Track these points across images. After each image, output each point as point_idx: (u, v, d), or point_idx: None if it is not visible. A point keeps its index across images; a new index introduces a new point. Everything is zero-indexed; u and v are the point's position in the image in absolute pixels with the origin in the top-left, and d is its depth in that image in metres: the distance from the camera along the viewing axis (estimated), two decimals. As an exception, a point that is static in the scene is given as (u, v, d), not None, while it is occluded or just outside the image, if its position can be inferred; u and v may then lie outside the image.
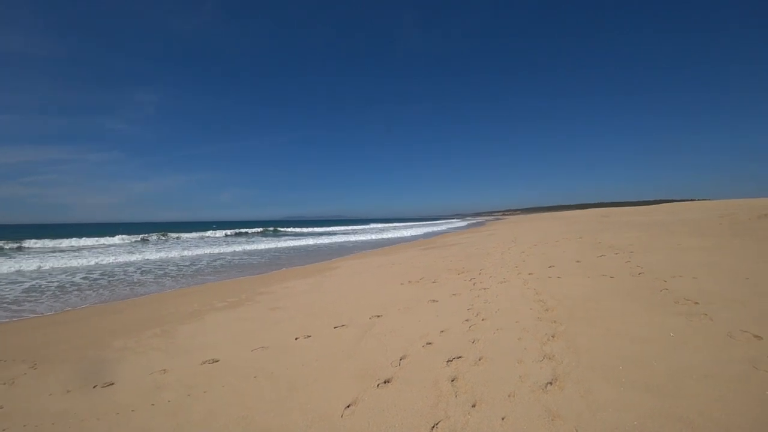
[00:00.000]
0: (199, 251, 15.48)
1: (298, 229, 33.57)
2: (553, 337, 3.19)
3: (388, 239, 23.20)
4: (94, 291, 7.93)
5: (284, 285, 7.39)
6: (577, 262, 6.66)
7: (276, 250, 16.89)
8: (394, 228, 42.30)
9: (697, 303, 3.71)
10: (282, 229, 30.94)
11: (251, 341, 3.91)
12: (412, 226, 45.96)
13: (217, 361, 3.42)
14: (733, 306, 3.54)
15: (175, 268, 11.37)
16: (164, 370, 3.31)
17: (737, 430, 1.87)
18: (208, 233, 24.97)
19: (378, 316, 4.40)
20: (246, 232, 27.46)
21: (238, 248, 16.70)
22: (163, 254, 14.57)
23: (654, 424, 1.96)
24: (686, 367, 2.49)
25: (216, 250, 15.94)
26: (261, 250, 16.59)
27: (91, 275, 10.02)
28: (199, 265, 11.83)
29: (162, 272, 10.49)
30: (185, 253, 14.99)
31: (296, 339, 3.86)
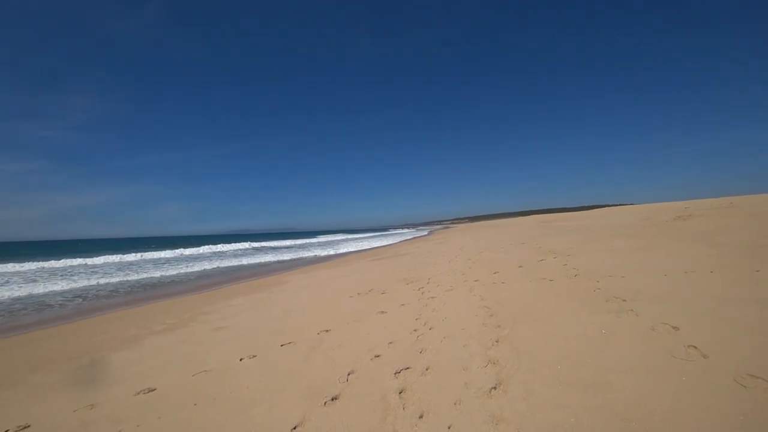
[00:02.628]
0: (144, 274, 14.18)
1: (245, 245, 31.93)
2: (497, 341, 3.29)
3: (339, 250, 23.04)
4: (9, 320, 7.08)
5: (230, 303, 7.07)
6: (520, 267, 6.97)
7: (226, 267, 16.09)
8: (345, 240, 42.06)
9: (625, 300, 3.98)
10: (228, 247, 29.26)
11: (192, 365, 3.67)
12: (363, 238, 45.97)
13: (154, 390, 3.17)
14: (655, 301, 3.84)
15: (111, 289, 10.45)
16: (92, 405, 3.01)
17: (659, 415, 2.01)
18: (148, 255, 22.81)
19: (326, 331, 4.31)
20: (193, 254, 25.09)
21: (184, 269, 15.54)
22: (99, 280, 13.01)
23: (589, 418, 2.06)
24: (616, 361, 2.65)
25: (157, 273, 14.71)
26: (207, 270, 15.58)
27: (15, 306, 8.74)
28: (137, 286, 10.97)
29: (94, 295, 9.59)
30: (129, 277, 13.49)
31: (241, 360, 3.68)
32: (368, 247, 26.14)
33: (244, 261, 17.96)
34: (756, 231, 7.95)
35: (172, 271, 14.35)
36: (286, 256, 20.30)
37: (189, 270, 14.75)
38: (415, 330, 3.92)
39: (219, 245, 29.44)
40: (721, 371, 2.34)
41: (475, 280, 6.16)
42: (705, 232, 9.01)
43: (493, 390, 2.48)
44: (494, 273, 6.64)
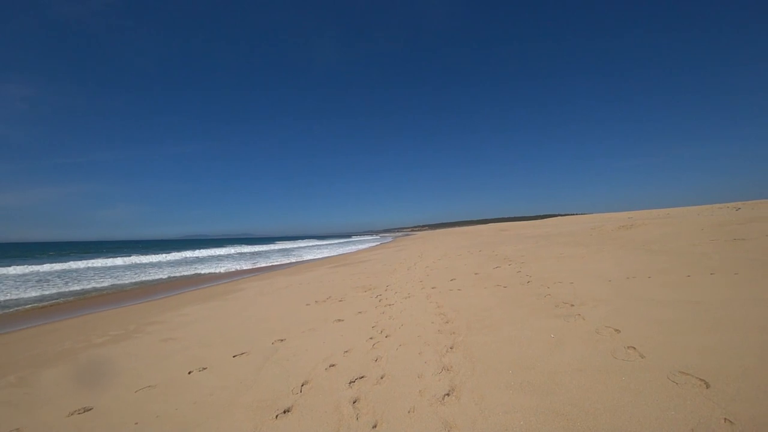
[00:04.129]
0: (90, 283, 12.97)
1: (201, 252, 30.29)
2: (451, 348, 3.33)
3: (298, 257, 22.61)
4: None
5: (181, 312, 6.73)
6: (476, 274, 7.15)
7: (180, 276, 15.24)
8: (305, 246, 41.35)
9: (572, 305, 4.17)
10: (183, 254, 27.57)
11: (135, 380, 3.43)
12: (324, 245, 45.41)
13: (90, 409, 2.93)
14: (600, 305, 4.05)
15: (51, 300, 9.62)
16: (17, 429, 2.74)
17: (603, 414, 2.10)
18: (97, 262, 20.88)
19: (281, 340, 4.20)
20: (144, 262, 22.91)
21: (135, 278, 14.39)
22: (42, 291, 11.70)
23: (536, 420, 2.12)
24: (563, 364, 2.75)
25: (106, 281, 13.46)
26: (162, 279, 14.61)
27: None
28: (80, 295, 10.17)
29: (29, 306, 8.80)
30: (70, 287, 12.20)
31: (189, 373, 3.49)
32: (329, 254, 25.87)
33: (199, 267, 17.20)
34: (688, 239, 8.62)
35: (123, 280, 13.47)
36: (244, 263, 19.62)
37: (138, 279, 13.85)
38: (371, 338, 3.90)
39: (172, 253, 27.94)
40: (656, 370, 2.49)
41: (433, 287, 6.24)
42: (645, 240, 9.65)
43: (446, 397, 2.50)
44: (451, 280, 6.77)
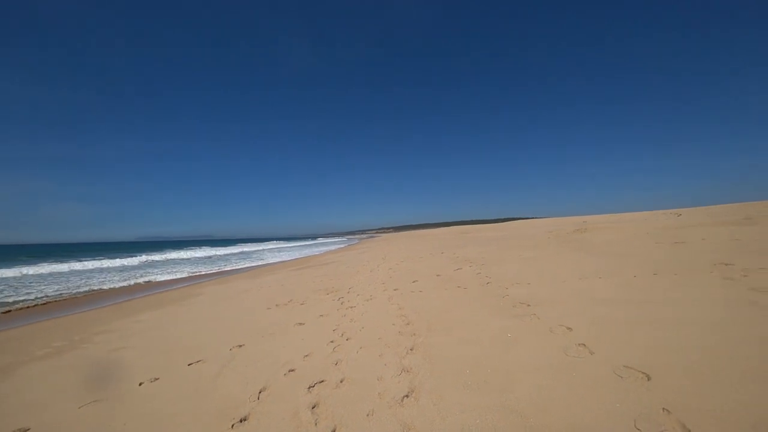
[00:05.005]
0: (29, 291, 12.14)
1: (160, 255, 28.57)
2: (411, 350, 3.35)
3: (261, 259, 22.03)
4: None
5: (134, 319, 6.39)
6: (437, 276, 7.25)
7: (133, 284, 14.35)
8: (269, 249, 40.42)
9: (529, 305, 4.32)
10: (147, 257, 25.77)
11: (80, 395, 3.19)
12: (288, 247, 44.60)
13: (28, 430, 2.71)
14: (554, 305, 4.21)
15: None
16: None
17: (555, 409, 2.18)
18: (44, 267, 18.92)
19: (240, 346, 4.07)
20: (96, 267, 20.92)
21: (81, 284, 13.41)
22: None
23: (492, 418, 2.17)
24: (519, 363, 2.84)
25: (50, 288, 12.51)
26: (110, 285, 13.83)
27: None
28: (18, 304, 9.43)
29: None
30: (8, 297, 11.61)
31: (140, 384, 3.30)
32: (292, 257, 25.42)
33: (155, 271, 16.35)
34: (635, 243, 9.16)
35: (70, 285, 12.59)
36: (203, 266, 18.85)
37: (88, 284, 12.95)
38: (332, 341, 3.86)
39: (126, 257, 26.32)
40: (604, 365, 2.63)
41: (395, 289, 6.28)
42: (597, 243, 10.16)
43: (405, 398, 2.51)
44: (413, 282, 6.83)
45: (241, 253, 32.53)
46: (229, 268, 17.90)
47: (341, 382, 2.88)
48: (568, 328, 3.41)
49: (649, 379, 2.38)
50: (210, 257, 27.07)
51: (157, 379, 3.40)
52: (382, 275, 8.27)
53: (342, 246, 38.48)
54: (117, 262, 21.82)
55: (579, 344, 3.03)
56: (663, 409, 2.05)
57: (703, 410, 2.01)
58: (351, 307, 5.26)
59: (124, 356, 4.25)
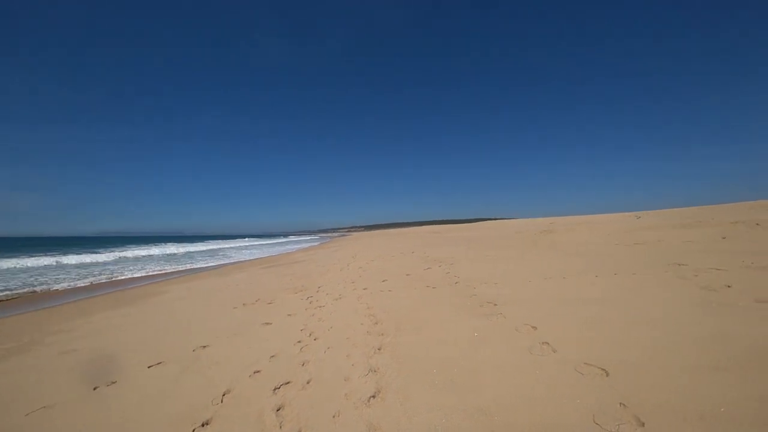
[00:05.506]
0: None
1: (121, 253, 26.93)
2: (379, 349, 3.35)
3: (229, 257, 21.43)
4: None
5: (90, 319, 6.04)
6: (407, 275, 7.30)
7: (92, 282, 13.57)
8: (238, 246, 39.44)
9: (495, 305, 4.41)
10: (110, 255, 24.13)
11: (28, 401, 2.96)
12: (257, 245, 43.66)
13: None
14: (520, 305, 4.31)
15: None
16: None
17: (519, 407, 2.22)
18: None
19: (204, 347, 3.93)
20: (49, 263, 19.30)
21: (31, 281, 12.55)
22: None
23: (457, 417, 2.20)
24: (484, 362, 2.89)
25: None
26: (66, 283, 13.00)
27: None
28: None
29: None
30: None
31: (95, 388, 3.11)
32: (262, 255, 24.91)
33: (115, 268, 15.58)
34: (597, 244, 9.52)
35: (16, 283, 11.79)
36: (168, 264, 18.10)
37: (40, 282, 12.16)
38: (299, 341, 3.80)
39: (81, 254, 24.90)
40: (565, 362, 2.72)
41: (364, 288, 6.26)
42: (562, 244, 10.49)
43: (372, 399, 2.50)
44: (383, 281, 6.84)
45: (210, 250, 31.42)
46: (196, 266, 17.33)
47: (308, 383, 2.84)
48: (533, 327, 3.50)
49: (607, 375, 2.47)
50: (177, 254, 26.02)
51: (113, 382, 3.22)
52: (352, 274, 8.24)
53: (313, 244, 38.11)
54: (74, 259, 20.66)
55: (543, 343, 3.11)
56: (620, 403, 2.14)
57: (656, 403, 2.11)
58: (320, 307, 5.21)
59: (77, 359, 4.01)
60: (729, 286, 4.23)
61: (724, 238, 8.17)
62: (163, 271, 15.16)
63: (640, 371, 2.48)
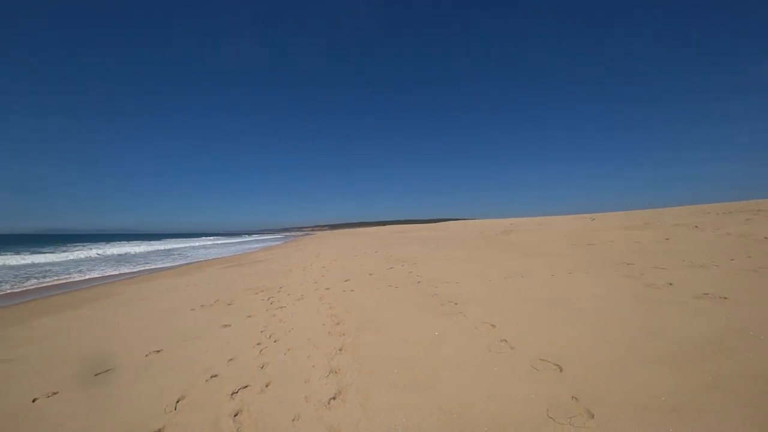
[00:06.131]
0: None
1: (65, 253, 25.02)
2: (340, 350, 3.33)
3: (188, 257, 20.55)
4: None
5: (29, 325, 5.57)
6: (370, 275, 7.30)
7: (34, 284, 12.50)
8: (196, 245, 37.96)
9: (456, 304, 4.49)
10: (54, 256, 22.09)
11: None
12: (217, 244, 42.21)
13: None
14: (480, 304, 4.42)
15: None
16: None
17: (477, 404, 2.27)
18: None
19: (157, 352, 3.74)
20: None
21: None
22: None
23: (417, 416, 2.22)
24: (444, 360, 2.94)
25: None
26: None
27: None
28: None
29: None
30: None
31: (34, 401, 2.85)
32: (222, 254, 24.09)
33: (59, 269, 14.53)
34: (554, 244, 9.91)
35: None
36: (121, 264, 17.07)
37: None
38: (259, 343, 3.71)
39: (16, 254, 22.95)
40: (522, 359, 2.81)
41: (327, 288, 6.21)
42: (521, 244, 10.86)
43: (332, 400, 2.48)
44: (346, 281, 6.81)
45: (166, 249, 29.96)
46: (150, 266, 16.50)
47: (267, 386, 2.77)
48: (492, 326, 3.59)
49: (561, 370, 2.58)
50: (128, 254, 24.61)
51: (55, 393, 2.99)
52: (315, 274, 8.15)
53: (276, 243, 37.36)
54: (8, 259, 18.98)
55: (501, 340, 3.20)
56: (572, 397, 2.24)
57: (605, 395, 2.23)
58: (281, 308, 5.10)
59: (13, 369, 3.67)
60: (670, 284, 4.53)
61: (667, 239, 8.73)
62: (114, 273, 14.32)
63: (590, 365, 2.60)
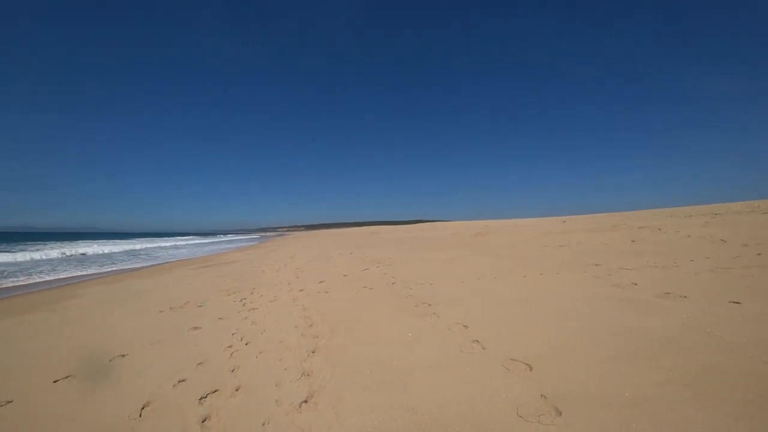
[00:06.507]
0: None
1: (24, 253, 23.39)
2: (313, 352, 3.29)
3: (157, 258, 19.82)
4: None
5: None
6: (345, 276, 7.27)
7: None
8: (166, 245, 36.72)
9: (430, 305, 4.52)
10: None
11: None
12: (189, 244, 41.01)
13: None
14: (454, 304, 4.46)
15: None
16: None
17: (449, 405, 2.29)
18: None
19: (122, 356, 3.59)
20: None
21: None
22: None
23: (389, 418, 2.21)
24: (417, 361, 2.95)
25: None
26: None
27: None
28: None
29: None
30: None
31: None
32: (194, 255, 23.40)
33: (14, 271, 13.69)
34: (526, 246, 10.13)
35: None
36: (82, 266, 16.26)
37: None
38: (230, 346, 3.62)
39: None
40: (494, 359, 2.85)
41: (300, 290, 6.14)
42: (495, 246, 11.04)
43: (303, 404, 2.45)
44: (320, 282, 6.76)
45: (133, 250, 28.67)
46: (116, 267, 15.83)
47: (237, 390, 2.71)
48: (465, 326, 3.63)
49: (531, 369, 2.63)
50: (92, 255, 23.48)
51: (9, 402, 2.80)
52: (289, 275, 8.05)
53: (251, 243, 36.68)
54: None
55: (473, 341, 3.24)
56: (541, 395, 2.29)
57: (572, 393, 2.29)
58: (253, 309, 5.01)
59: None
60: (635, 284, 4.70)
61: (633, 241, 9.07)
62: (79, 273, 13.67)
63: (559, 364, 2.67)
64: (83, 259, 19.45)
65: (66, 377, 3.21)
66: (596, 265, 6.34)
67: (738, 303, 3.64)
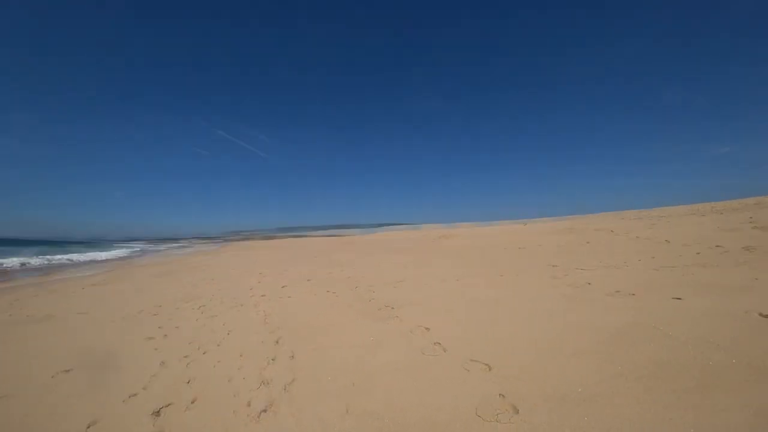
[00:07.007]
0: None
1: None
2: (273, 360, 3.22)
3: (110, 265, 18.62)
4: None
5: None
6: (308, 280, 7.19)
7: None
8: (122, 249, 34.72)
9: (393, 308, 4.55)
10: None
11: None
12: (147, 251, 39.03)
13: None
14: (415, 308, 4.50)
15: None
16: None
17: (411, 408, 2.30)
18: None
19: (67, 371, 3.34)
20: None
21: None
22: None
23: (351, 423, 2.20)
24: (379, 366, 2.95)
25: None
26: None
27: None
28: None
29: None
30: None
31: None
32: (151, 261, 22.16)
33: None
34: (488, 248, 10.39)
35: None
36: (28, 274, 15.00)
37: None
38: (186, 356, 3.47)
39: None
40: (454, 360, 2.90)
41: (262, 295, 6.00)
42: (458, 248, 11.25)
43: (263, 413, 2.39)
44: (282, 287, 6.64)
45: (87, 260, 26.56)
46: (62, 276, 14.74)
47: (193, 402, 2.60)
48: (426, 329, 3.67)
49: (489, 369, 2.69)
50: (53, 262, 21.49)
51: None
52: (251, 280, 7.85)
53: (213, 248, 35.45)
54: None
55: (435, 343, 3.28)
56: (499, 394, 2.34)
57: (528, 390, 2.37)
58: (212, 316, 4.83)
59: None
60: (589, 283, 4.92)
61: (588, 242, 9.51)
62: (14, 279, 12.64)
63: (517, 363, 2.75)
64: (29, 267, 17.96)
65: (2, 396, 2.96)
66: (554, 266, 6.59)
67: (680, 299, 3.89)
